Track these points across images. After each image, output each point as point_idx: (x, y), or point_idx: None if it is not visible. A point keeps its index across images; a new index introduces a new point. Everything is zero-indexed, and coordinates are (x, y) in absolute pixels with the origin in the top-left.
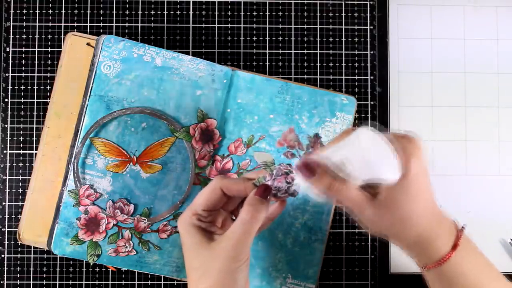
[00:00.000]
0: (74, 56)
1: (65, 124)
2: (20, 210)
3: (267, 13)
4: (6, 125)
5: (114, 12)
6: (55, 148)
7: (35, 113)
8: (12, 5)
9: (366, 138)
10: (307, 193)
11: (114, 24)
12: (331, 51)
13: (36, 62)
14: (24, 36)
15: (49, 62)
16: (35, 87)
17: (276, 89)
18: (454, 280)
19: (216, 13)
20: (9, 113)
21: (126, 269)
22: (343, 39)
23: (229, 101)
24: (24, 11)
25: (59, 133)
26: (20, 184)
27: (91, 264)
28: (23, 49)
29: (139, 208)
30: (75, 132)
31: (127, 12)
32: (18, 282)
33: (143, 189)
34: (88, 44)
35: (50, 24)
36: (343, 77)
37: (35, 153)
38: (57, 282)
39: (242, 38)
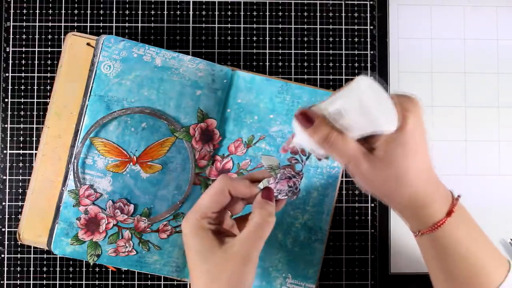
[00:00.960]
0: (74, 56)
1: (65, 124)
2: (20, 210)
3: (267, 13)
4: (6, 125)
5: (114, 12)
6: (55, 148)
7: (35, 113)
8: (12, 5)
9: (365, 85)
10: (305, 147)
11: (114, 24)
12: (331, 51)
13: (36, 62)
14: (24, 36)
15: (49, 62)
16: (35, 87)
17: (276, 89)
18: (446, 247)
19: (216, 13)
20: (9, 113)
21: (126, 269)
22: (343, 39)
23: (229, 101)
24: (24, 11)
25: (59, 133)
26: (20, 184)
27: (91, 264)
28: (23, 49)
29: (139, 208)
30: (75, 132)
31: (127, 12)
32: (18, 282)
33: (143, 189)
34: (88, 44)
35: (50, 24)
36: (343, 77)
37: (35, 153)
38: (57, 282)
39: (242, 38)
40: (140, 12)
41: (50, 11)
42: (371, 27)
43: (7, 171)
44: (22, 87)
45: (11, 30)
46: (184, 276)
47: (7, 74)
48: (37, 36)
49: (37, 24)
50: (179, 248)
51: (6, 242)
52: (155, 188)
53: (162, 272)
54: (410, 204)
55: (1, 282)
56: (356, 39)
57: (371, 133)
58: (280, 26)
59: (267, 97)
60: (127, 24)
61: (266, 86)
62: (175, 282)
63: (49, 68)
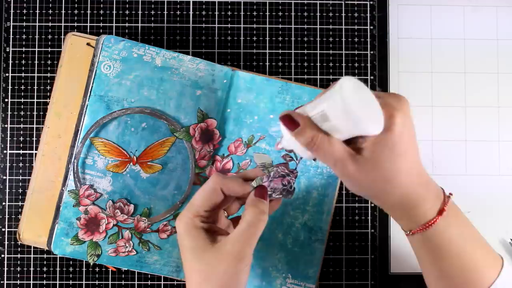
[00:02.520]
0: (74, 56)
1: (65, 124)
2: (20, 210)
3: (267, 13)
4: (6, 125)
5: (114, 12)
6: (55, 148)
7: (35, 113)
8: (12, 5)
9: (348, 87)
10: (293, 149)
11: (114, 24)
12: (331, 51)
13: (36, 62)
14: (24, 36)
15: (49, 62)
16: (35, 87)
17: (276, 89)
18: (439, 246)
19: (216, 13)
20: (9, 113)
21: (126, 269)
22: (343, 39)
23: (229, 101)
24: (24, 11)
25: (59, 133)
26: (20, 184)
27: (91, 264)
28: (23, 49)
29: (139, 208)
30: (75, 132)
31: (127, 12)
32: (18, 282)
33: (143, 189)
34: (88, 44)
35: (50, 24)
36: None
37: (35, 153)
38: (57, 282)
39: (242, 38)
40: (140, 12)
41: (50, 11)
42: (371, 27)
43: (7, 171)
44: (22, 87)
45: (11, 30)
46: (183, 276)
47: (7, 74)
48: (37, 36)
49: (37, 24)
50: (179, 248)
51: (6, 242)
52: (155, 188)
53: (162, 272)
54: (400, 205)
55: (1, 282)
56: (356, 39)
57: (357, 135)
58: (280, 26)
59: (267, 97)
60: (127, 24)
61: (266, 86)
62: (175, 282)
63: (49, 68)
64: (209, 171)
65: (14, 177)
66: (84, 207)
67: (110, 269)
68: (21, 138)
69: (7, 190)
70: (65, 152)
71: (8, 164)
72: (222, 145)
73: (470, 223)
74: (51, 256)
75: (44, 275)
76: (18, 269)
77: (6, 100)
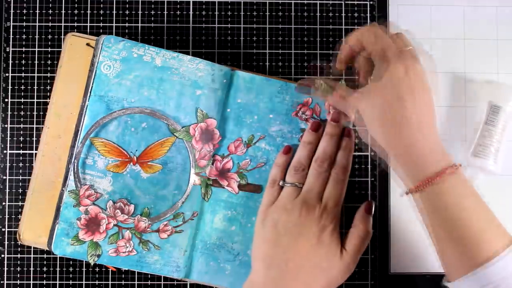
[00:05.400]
0: (74, 56)
1: (65, 124)
2: (20, 210)
3: (267, 13)
4: (6, 125)
5: (114, 12)
6: (55, 149)
7: (35, 113)
8: (12, 5)
9: None
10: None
11: (114, 24)
12: (331, 51)
13: (36, 62)
14: (24, 36)
15: (49, 62)
16: (35, 87)
17: (275, 89)
18: (445, 204)
19: (216, 13)
20: (9, 113)
21: (126, 269)
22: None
23: (229, 100)
24: (24, 11)
25: (59, 133)
26: (20, 184)
27: (92, 264)
28: (23, 49)
29: (139, 208)
30: (75, 132)
31: (127, 12)
32: (18, 282)
33: (143, 189)
34: (88, 44)
35: (50, 24)
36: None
37: (35, 153)
38: (57, 282)
39: (242, 38)
40: (140, 12)
41: (50, 11)
42: None
43: (7, 171)
44: (22, 87)
45: (11, 30)
46: (184, 276)
47: (7, 74)
48: (37, 36)
49: (37, 24)
50: (179, 248)
51: (6, 242)
52: (155, 188)
53: (163, 272)
54: (406, 152)
55: (1, 282)
56: None
57: None
58: (280, 26)
59: (267, 96)
60: (127, 24)
61: (265, 86)
62: (175, 282)
63: (49, 68)
64: (209, 170)
65: (14, 177)
66: (84, 207)
67: (110, 269)
68: (21, 138)
69: (7, 190)
70: (65, 153)
71: (8, 164)
72: (222, 145)
73: (479, 195)
74: (51, 256)
75: (44, 275)
76: (18, 269)
77: (6, 100)
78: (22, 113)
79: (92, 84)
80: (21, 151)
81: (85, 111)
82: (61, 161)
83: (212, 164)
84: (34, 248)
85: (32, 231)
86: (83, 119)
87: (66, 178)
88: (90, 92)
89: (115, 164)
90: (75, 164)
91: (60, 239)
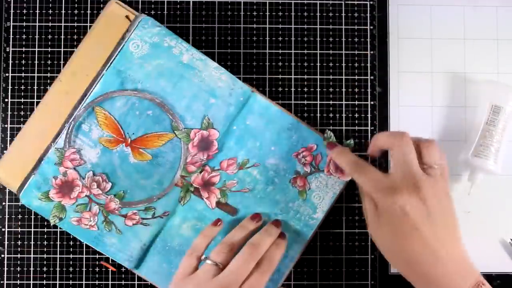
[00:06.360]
0: (110, 23)
1: (76, 83)
2: (20, 210)
3: (267, 13)
4: (6, 125)
5: None
6: (59, 102)
7: None
8: (12, 5)
9: None
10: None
11: None
12: (331, 51)
13: (36, 62)
14: (24, 36)
15: (49, 62)
16: (35, 87)
17: (286, 124)
18: None
19: (216, 13)
20: (9, 113)
21: (83, 242)
22: (343, 39)
23: (238, 119)
24: (24, 11)
25: (68, 89)
26: None
27: (52, 224)
28: (23, 49)
29: (115, 189)
30: (83, 95)
31: None
32: (18, 282)
33: (126, 173)
34: (126, 16)
35: (50, 24)
36: (343, 77)
37: (37, 101)
38: (57, 282)
39: (242, 38)
40: (140, 12)
41: (50, 11)
42: (371, 27)
43: None
44: (22, 87)
45: (11, 30)
46: (133, 268)
47: (7, 74)
48: (37, 36)
49: (37, 24)
50: (139, 240)
51: (6, 242)
52: (138, 176)
53: (115, 257)
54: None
55: (1, 282)
56: (356, 39)
57: None
58: (280, 26)
59: (276, 129)
60: None
61: (278, 118)
62: None
63: (49, 68)
64: (195, 178)
65: None
66: (64, 169)
67: (110, 269)
68: None
69: (7, 190)
70: (66, 110)
71: None
72: (216, 158)
73: None
74: (51, 256)
75: (44, 275)
76: (18, 269)
77: (6, 100)
78: (22, 113)
79: (116, 56)
80: None
81: (100, 79)
82: (60, 117)
83: (200, 172)
84: (34, 248)
85: (8, 171)
86: (95, 86)
87: (58, 134)
88: (111, 64)
89: (108, 139)
90: (71, 125)
91: (31, 190)
